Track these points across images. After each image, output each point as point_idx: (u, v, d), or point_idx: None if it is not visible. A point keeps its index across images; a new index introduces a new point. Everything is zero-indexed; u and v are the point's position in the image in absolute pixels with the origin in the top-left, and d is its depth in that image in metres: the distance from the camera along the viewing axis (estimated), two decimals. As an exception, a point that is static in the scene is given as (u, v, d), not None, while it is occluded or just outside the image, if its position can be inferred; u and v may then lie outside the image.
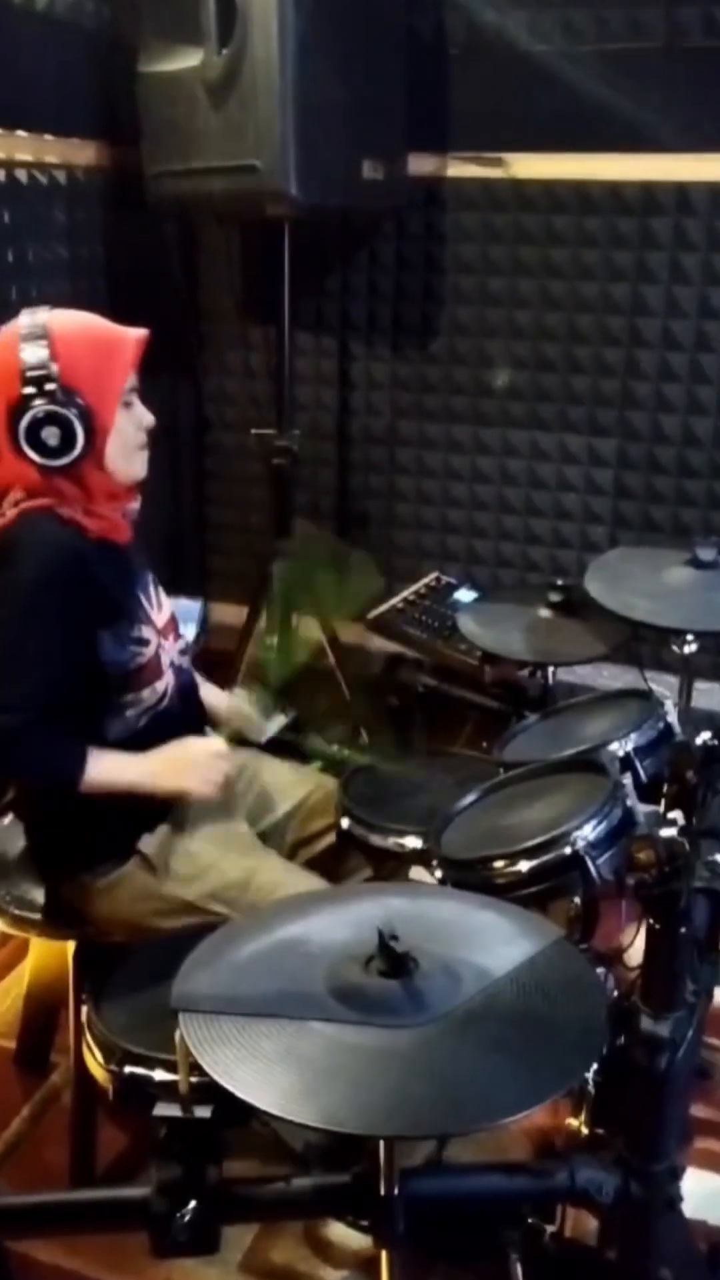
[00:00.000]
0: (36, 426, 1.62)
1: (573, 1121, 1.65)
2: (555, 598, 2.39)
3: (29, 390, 1.62)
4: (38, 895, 1.86)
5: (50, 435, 1.63)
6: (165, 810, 1.79)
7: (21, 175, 2.70)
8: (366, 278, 3.25)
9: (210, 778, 1.76)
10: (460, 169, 3.03)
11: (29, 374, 1.62)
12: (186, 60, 2.61)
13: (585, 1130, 1.63)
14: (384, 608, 3.01)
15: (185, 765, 1.75)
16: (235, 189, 2.58)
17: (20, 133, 2.67)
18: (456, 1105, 1.05)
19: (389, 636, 3.00)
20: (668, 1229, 1.36)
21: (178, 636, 1.90)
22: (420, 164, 3.00)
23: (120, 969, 1.67)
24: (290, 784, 2.02)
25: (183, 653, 1.89)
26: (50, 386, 1.62)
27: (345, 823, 1.88)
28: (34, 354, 1.62)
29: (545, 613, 2.40)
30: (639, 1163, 1.27)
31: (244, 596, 3.00)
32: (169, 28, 2.65)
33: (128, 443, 1.73)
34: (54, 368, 1.62)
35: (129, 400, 1.73)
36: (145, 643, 1.76)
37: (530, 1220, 1.49)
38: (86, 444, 1.65)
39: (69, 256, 2.91)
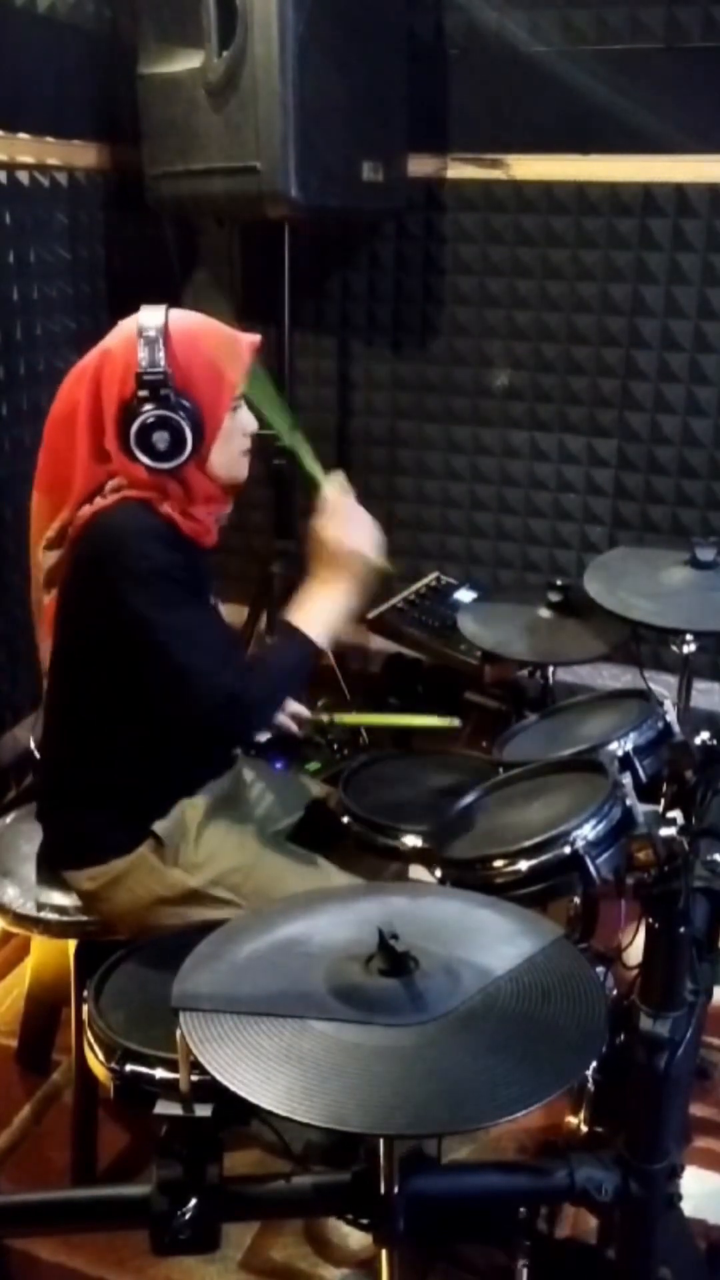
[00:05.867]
0: (147, 430, 1.64)
1: (572, 1120, 1.66)
2: (555, 598, 2.39)
3: (143, 393, 1.63)
4: (40, 894, 1.86)
5: (160, 439, 1.64)
6: (179, 794, 1.81)
7: (23, 177, 2.70)
8: (366, 278, 3.25)
9: (370, 541, 1.77)
10: (460, 170, 3.04)
11: (145, 376, 1.63)
12: (187, 62, 2.61)
13: (585, 1129, 1.63)
14: (384, 608, 3.01)
15: (346, 555, 1.75)
16: (235, 190, 2.59)
17: (22, 135, 2.67)
18: (457, 1103, 1.05)
19: (389, 636, 3.00)
20: (667, 1228, 1.36)
21: None
22: (420, 165, 3.01)
23: (121, 967, 1.68)
24: (301, 792, 2.04)
25: None
26: (164, 391, 1.63)
27: (345, 821, 1.89)
28: (150, 356, 1.63)
29: (545, 613, 2.40)
30: (638, 1161, 1.28)
31: (244, 596, 3.00)
32: (169, 29, 2.66)
33: (233, 447, 1.75)
34: (170, 371, 1.63)
35: (236, 405, 1.74)
36: None
37: (530, 1219, 1.50)
38: (194, 448, 1.67)
39: (70, 258, 2.92)
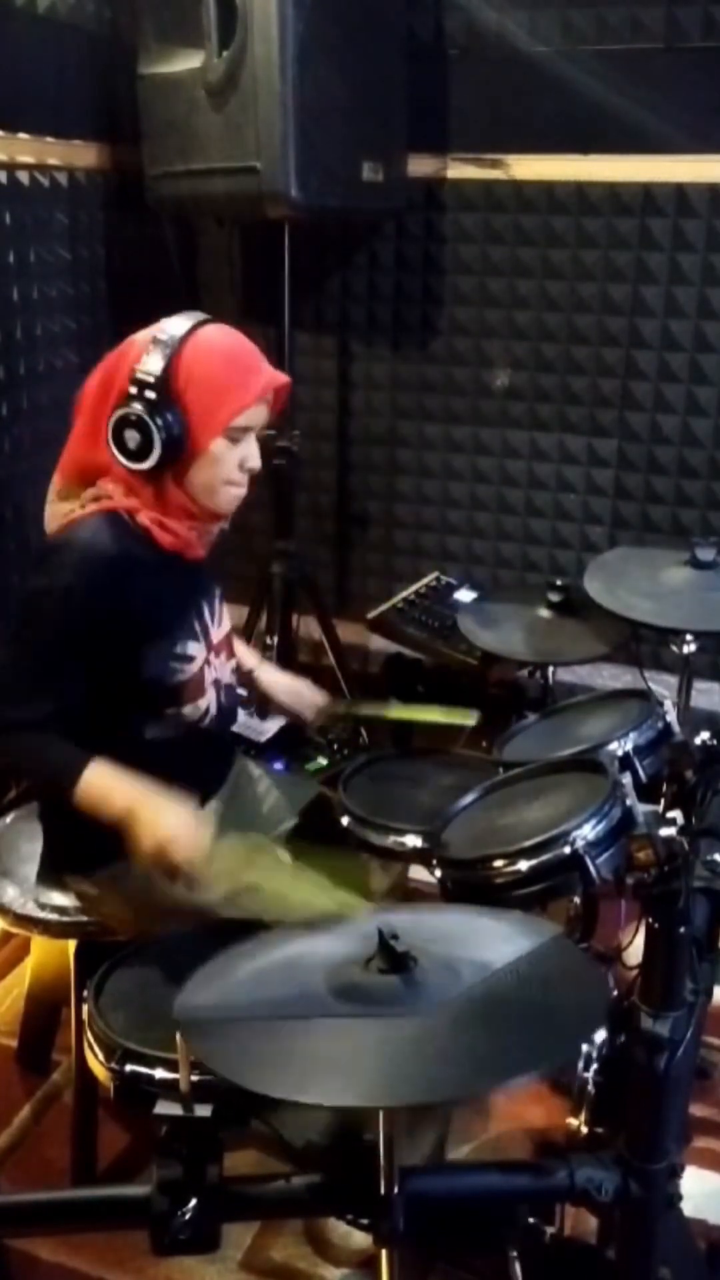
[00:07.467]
0: (121, 425, 1.64)
1: (572, 1120, 1.66)
2: (555, 598, 2.39)
3: (133, 390, 1.64)
4: (40, 894, 1.86)
5: (130, 438, 1.64)
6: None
7: (23, 177, 2.70)
8: (366, 278, 3.25)
9: (186, 846, 1.59)
10: (460, 170, 3.04)
11: (137, 376, 1.64)
12: (187, 62, 2.61)
13: (585, 1129, 1.63)
14: (384, 608, 3.01)
15: (170, 825, 1.59)
16: (235, 190, 2.59)
17: (22, 135, 2.67)
18: (456, 1073, 1.06)
19: (389, 636, 3.00)
20: (667, 1228, 1.36)
21: (231, 654, 1.90)
22: (420, 165, 3.01)
23: (121, 968, 1.68)
24: (300, 792, 2.03)
25: (233, 671, 1.90)
26: (150, 395, 1.63)
27: (345, 822, 1.89)
28: (153, 360, 1.64)
29: (545, 613, 2.40)
30: (638, 1162, 1.28)
31: (244, 596, 3.00)
32: (170, 29, 2.66)
33: (219, 474, 1.70)
34: (164, 379, 1.63)
35: (238, 436, 1.70)
36: (189, 660, 1.75)
37: (530, 1219, 1.50)
38: (165, 459, 1.65)
39: (70, 258, 2.91)
